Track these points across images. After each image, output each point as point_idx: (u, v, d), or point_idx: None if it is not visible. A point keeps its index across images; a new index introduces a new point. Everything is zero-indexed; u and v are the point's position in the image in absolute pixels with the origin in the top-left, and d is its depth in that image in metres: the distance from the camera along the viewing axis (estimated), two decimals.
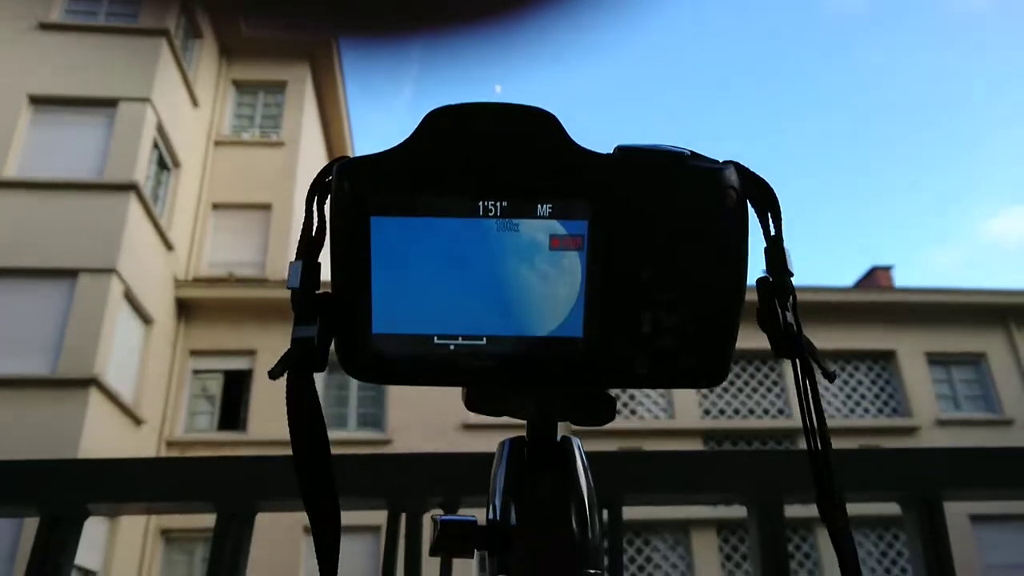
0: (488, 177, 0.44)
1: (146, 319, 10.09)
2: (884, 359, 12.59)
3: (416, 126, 0.45)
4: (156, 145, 10.51)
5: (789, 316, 0.44)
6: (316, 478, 0.45)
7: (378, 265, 0.44)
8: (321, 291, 0.45)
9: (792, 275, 0.45)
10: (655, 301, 0.45)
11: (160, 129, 10.46)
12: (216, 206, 12.12)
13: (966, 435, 11.75)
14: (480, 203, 0.44)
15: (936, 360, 12.56)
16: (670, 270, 0.45)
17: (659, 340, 0.45)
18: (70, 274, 9.06)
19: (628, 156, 0.45)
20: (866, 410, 12.31)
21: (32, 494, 1.02)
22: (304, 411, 0.44)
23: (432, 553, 0.48)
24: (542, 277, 0.45)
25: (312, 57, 13.32)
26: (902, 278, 16.19)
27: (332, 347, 0.46)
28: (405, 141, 0.44)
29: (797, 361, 0.44)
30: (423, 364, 0.45)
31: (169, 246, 10.72)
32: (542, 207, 0.44)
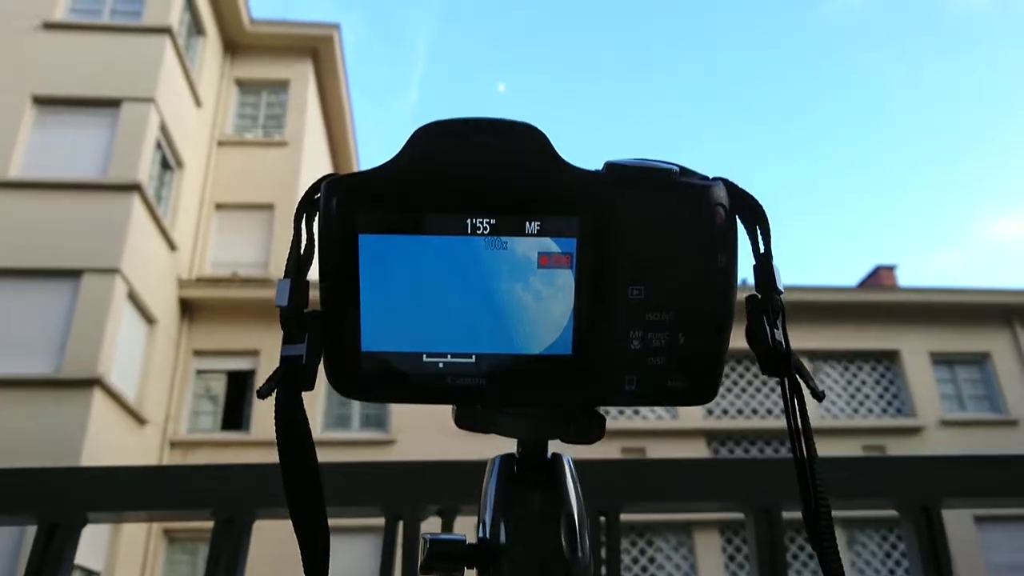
0: (476, 195, 0.44)
1: (149, 319, 10.11)
2: (888, 359, 12.56)
3: (404, 142, 0.44)
4: (159, 145, 10.54)
5: (778, 334, 0.44)
6: (305, 499, 0.45)
7: (366, 283, 0.44)
8: (310, 309, 0.45)
9: (781, 292, 0.45)
10: (644, 319, 0.44)
11: (163, 129, 10.48)
12: (219, 206, 12.14)
13: (971, 435, 11.71)
14: (468, 221, 0.44)
15: (940, 360, 12.53)
16: (659, 288, 0.44)
17: (648, 358, 0.45)
18: (74, 274, 9.09)
19: (616, 173, 0.44)
20: (870, 410, 12.29)
21: (31, 502, 1.02)
22: (293, 431, 0.44)
23: (422, 572, 0.48)
24: (531, 295, 0.44)
25: (315, 54, 13.34)
26: (905, 280, 16.16)
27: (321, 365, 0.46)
28: (393, 158, 0.44)
29: (785, 380, 0.44)
30: (412, 382, 0.45)
31: (173, 246, 10.74)
32: (530, 224, 0.44)
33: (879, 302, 12.82)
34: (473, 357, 0.45)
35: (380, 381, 0.45)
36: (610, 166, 0.45)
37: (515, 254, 0.44)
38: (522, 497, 0.49)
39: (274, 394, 0.44)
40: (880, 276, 16.33)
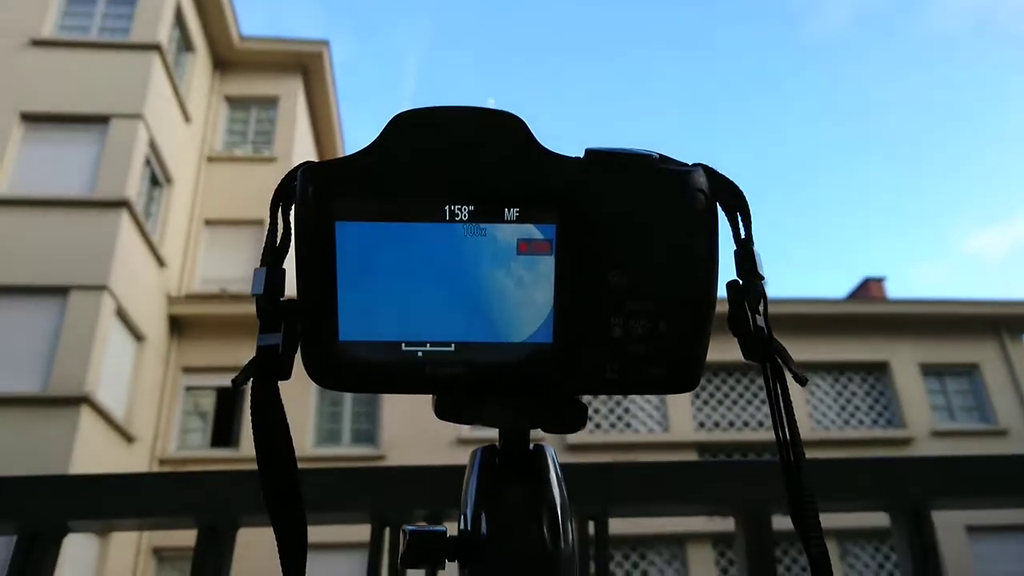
0: (454, 181, 0.44)
1: (138, 336, 10.04)
2: (878, 370, 12.59)
3: (382, 129, 0.44)
4: (148, 161, 10.50)
5: (759, 319, 0.44)
6: (281, 491, 0.44)
7: (344, 271, 0.44)
8: (287, 298, 0.44)
9: (763, 278, 0.44)
10: (625, 306, 0.44)
11: (152, 145, 10.45)
12: (209, 222, 12.10)
13: (961, 446, 11.74)
14: (447, 207, 0.44)
15: (930, 371, 12.57)
16: (640, 275, 0.44)
17: (629, 346, 0.44)
18: (61, 291, 9.02)
19: (596, 159, 0.44)
20: (860, 421, 12.30)
21: (9, 510, 1.00)
22: (269, 421, 0.44)
23: (402, 565, 0.47)
24: (511, 282, 0.44)
25: (304, 70, 13.35)
26: (890, 292, 16.23)
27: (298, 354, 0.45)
28: (371, 144, 0.44)
29: (767, 365, 0.44)
30: (390, 371, 0.45)
31: (161, 263, 10.69)
32: (509, 211, 0.44)
33: (868, 314, 12.86)
34: (452, 346, 0.44)
35: (357, 371, 0.45)
36: (589, 152, 0.45)
37: (495, 240, 0.44)
38: (504, 489, 0.48)
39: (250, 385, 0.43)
40: (869, 288, 16.40)
